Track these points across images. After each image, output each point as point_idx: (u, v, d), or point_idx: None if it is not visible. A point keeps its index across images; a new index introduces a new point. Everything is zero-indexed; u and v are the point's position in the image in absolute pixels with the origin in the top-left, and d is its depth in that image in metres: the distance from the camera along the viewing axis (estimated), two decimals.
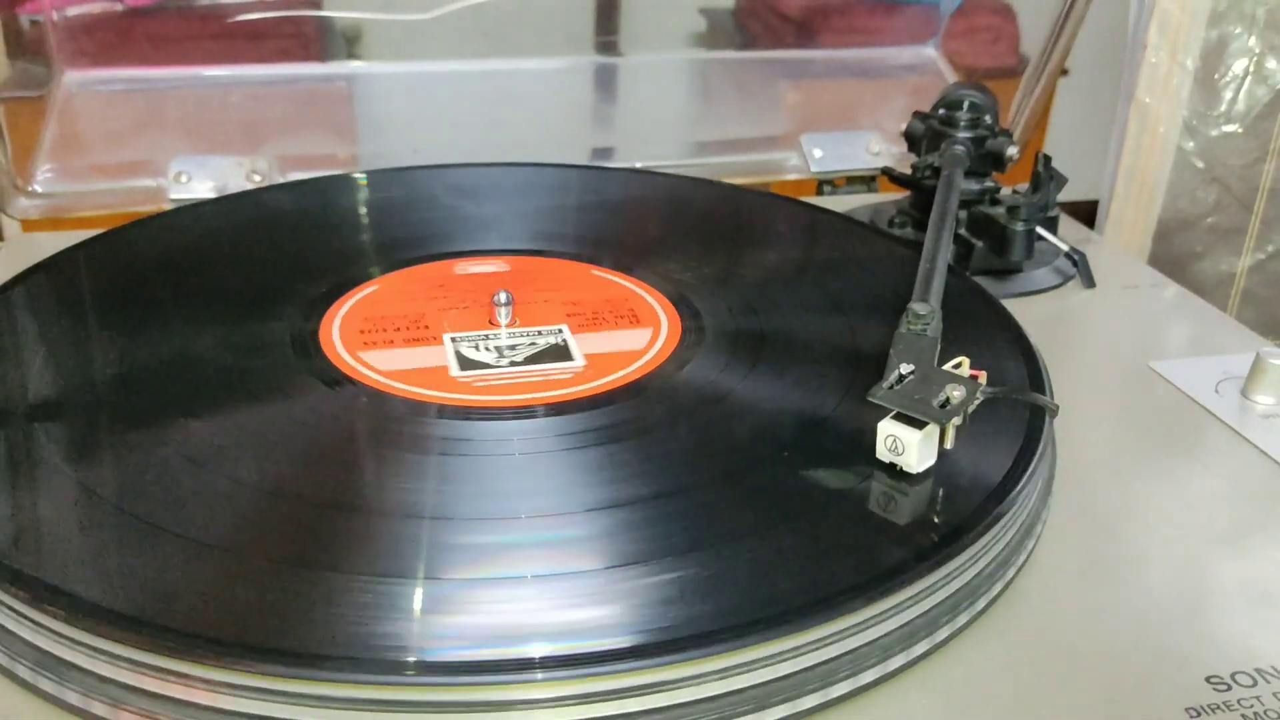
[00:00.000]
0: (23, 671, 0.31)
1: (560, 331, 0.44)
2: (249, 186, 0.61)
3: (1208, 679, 0.32)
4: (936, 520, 0.35)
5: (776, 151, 0.71)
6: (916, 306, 0.39)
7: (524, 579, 0.32)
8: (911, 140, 0.59)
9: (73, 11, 0.64)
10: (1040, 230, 0.55)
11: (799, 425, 0.39)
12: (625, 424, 0.39)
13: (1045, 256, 0.57)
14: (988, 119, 0.58)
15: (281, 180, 0.62)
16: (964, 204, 0.55)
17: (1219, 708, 0.31)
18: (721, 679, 0.29)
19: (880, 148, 0.70)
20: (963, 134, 0.57)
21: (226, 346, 0.43)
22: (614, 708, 0.29)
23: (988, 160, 0.57)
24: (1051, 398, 0.41)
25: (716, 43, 0.78)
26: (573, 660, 0.29)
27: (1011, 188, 0.58)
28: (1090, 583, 0.36)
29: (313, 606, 0.30)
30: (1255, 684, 0.32)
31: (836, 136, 0.70)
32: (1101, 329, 0.53)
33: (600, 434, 0.38)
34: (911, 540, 0.34)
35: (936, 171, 0.55)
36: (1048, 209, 0.56)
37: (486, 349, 0.43)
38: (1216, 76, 0.69)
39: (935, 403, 0.36)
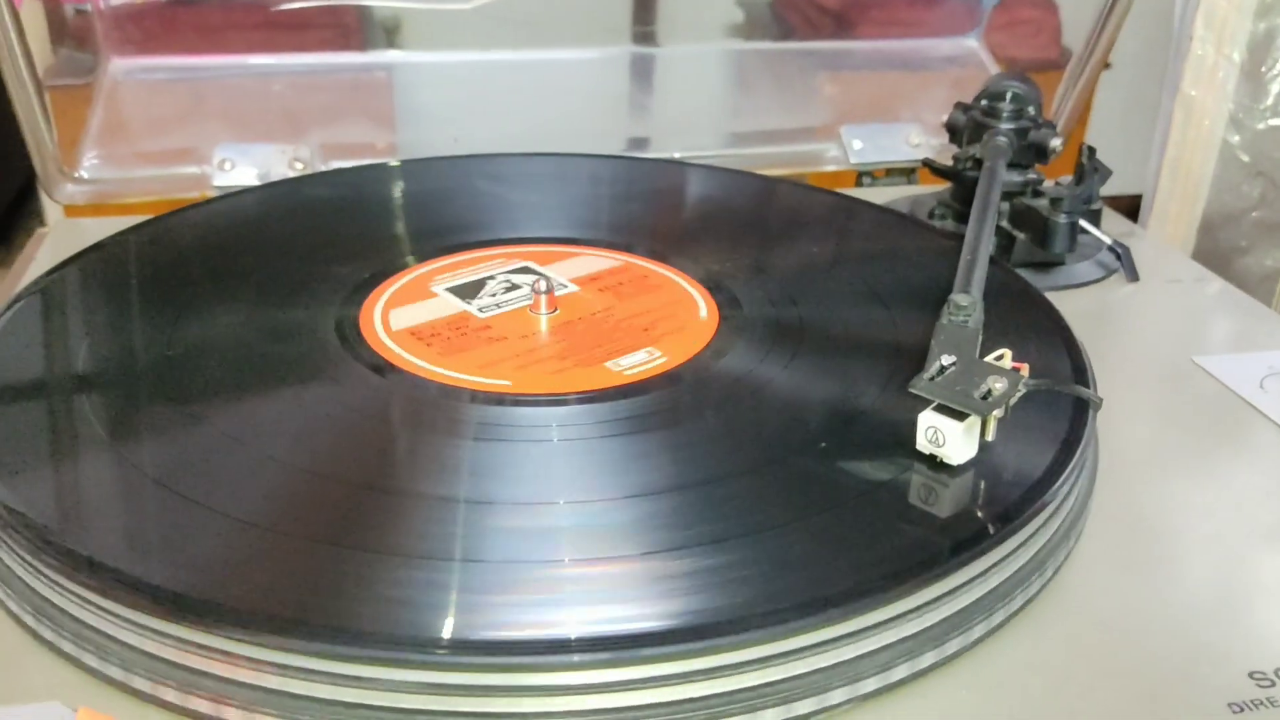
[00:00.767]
0: (68, 648, 0.31)
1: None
2: (291, 174, 0.62)
3: (1250, 674, 0.32)
4: (978, 513, 0.34)
5: (815, 143, 0.71)
6: (958, 297, 0.39)
7: (561, 563, 0.32)
8: (953, 131, 0.59)
9: (119, 0, 0.64)
10: (1083, 223, 0.54)
11: (838, 416, 0.39)
12: (664, 412, 0.39)
13: (1087, 250, 0.56)
14: (1031, 110, 0.57)
15: (323, 168, 0.63)
16: (1006, 196, 0.55)
17: (1262, 703, 0.31)
18: (757, 669, 0.29)
19: (921, 139, 0.69)
20: (1005, 125, 0.56)
21: (268, 330, 0.44)
22: (648, 696, 0.29)
23: (1031, 152, 0.56)
24: (1095, 392, 0.40)
25: (754, 34, 0.77)
26: (609, 643, 0.29)
27: (1054, 180, 0.58)
28: (1132, 578, 0.36)
29: (350, 586, 0.30)
30: None
31: (876, 128, 0.70)
32: (1145, 323, 0.53)
33: (639, 421, 0.38)
34: (952, 533, 0.33)
35: (978, 163, 0.55)
36: (1091, 201, 0.56)
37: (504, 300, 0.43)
38: (1263, 69, 0.68)
39: (977, 394, 0.35)
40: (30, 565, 0.32)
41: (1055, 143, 0.56)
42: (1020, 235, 0.55)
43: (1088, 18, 0.68)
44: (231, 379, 0.40)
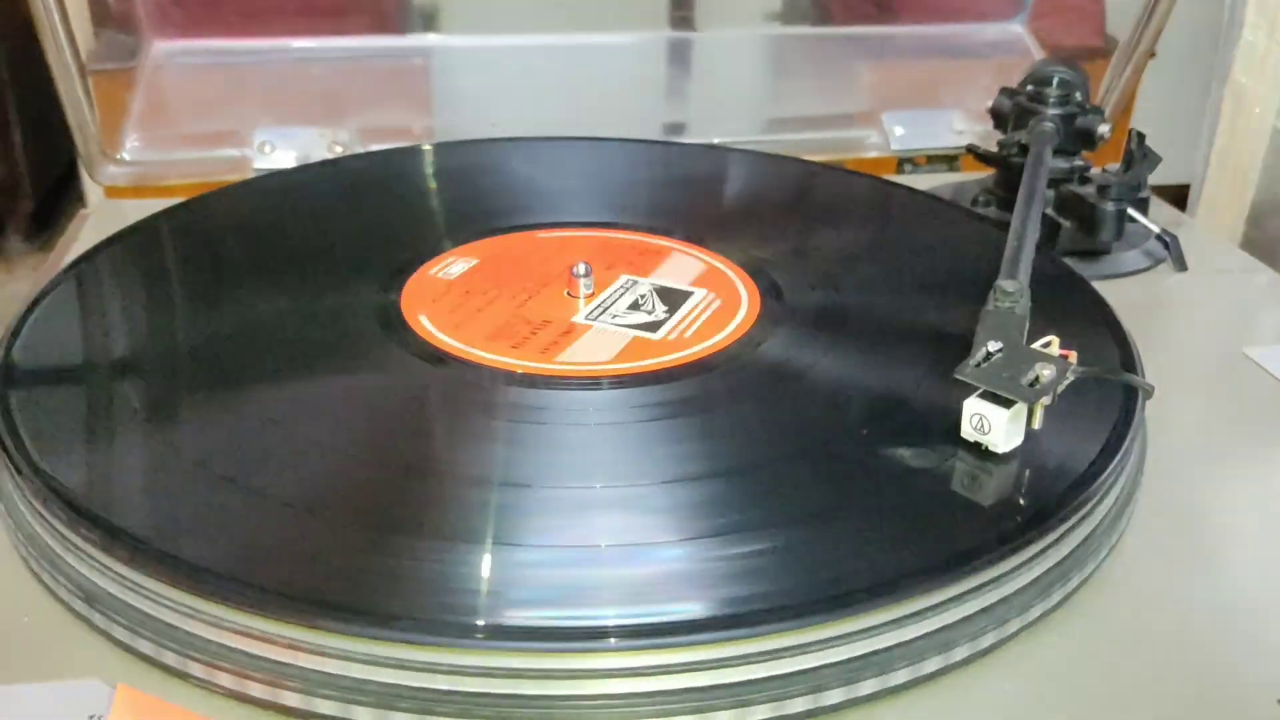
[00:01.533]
0: (120, 633, 0.31)
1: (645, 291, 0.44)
2: (331, 157, 0.62)
3: None
4: (1022, 502, 0.34)
5: (855, 129, 0.70)
6: (1005, 284, 0.39)
7: (598, 548, 0.32)
8: (998, 117, 0.58)
9: None
10: (1131, 211, 0.53)
11: (880, 402, 0.39)
12: (705, 397, 0.39)
13: (1134, 239, 0.55)
14: (1078, 96, 0.56)
15: (362, 151, 0.63)
16: (1052, 182, 0.54)
17: None
18: (791, 656, 0.29)
19: (964, 126, 0.68)
20: (1052, 111, 0.55)
21: (309, 313, 0.44)
22: (682, 681, 0.29)
23: (1078, 138, 0.55)
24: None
25: (793, 18, 0.76)
26: (644, 630, 0.28)
27: (1101, 167, 0.57)
28: (1179, 571, 0.35)
29: (388, 569, 0.30)
30: None
31: (919, 114, 0.69)
32: (1193, 314, 0.52)
33: (679, 406, 0.38)
34: (997, 522, 0.33)
35: (1024, 149, 0.54)
36: (1140, 189, 0.54)
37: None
38: None
39: (1024, 381, 0.35)
40: (69, 543, 0.32)
41: (1103, 128, 0.55)
42: (1066, 223, 0.54)
43: (1135, 5, 0.66)
44: (271, 361, 0.40)
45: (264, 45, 0.67)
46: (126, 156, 0.62)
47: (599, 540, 0.32)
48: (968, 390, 0.35)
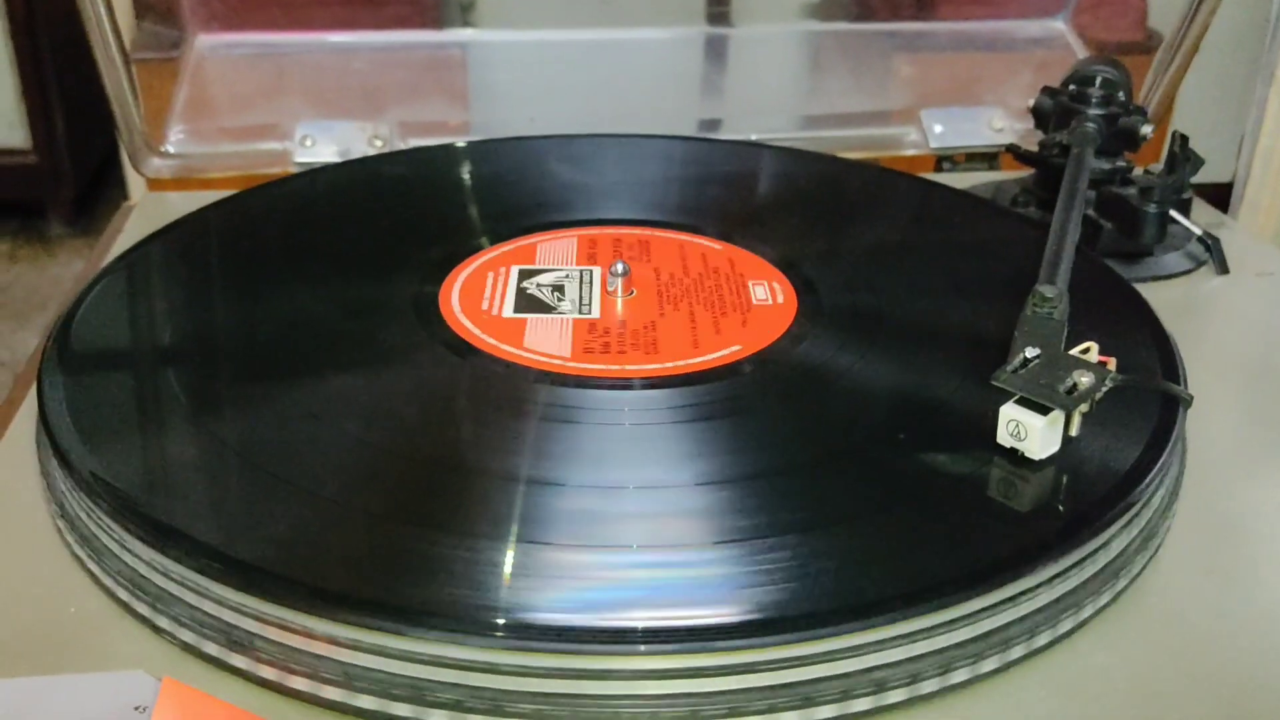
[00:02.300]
0: (165, 623, 0.32)
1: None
2: (371, 151, 0.62)
3: None
4: (1059, 510, 0.34)
5: (893, 126, 0.70)
6: (1044, 288, 0.38)
7: (630, 548, 0.32)
8: (1039, 116, 0.58)
9: None
10: (1173, 213, 0.53)
11: (916, 406, 0.39)
12: (740, 398, 0.39)
13: (1175, 241, 0.55)
14: (1121, 96, 0.55)
15: (402, 145, 0.63)
16: (1093, 184, 0.54)
17: None
18: (823, 663, 0.29)
19: (1004, 124, 0.68)
20: (1094, 111, 0.55)
21: (349, 308, 0.44)
22: (712, 684, 0.29)
23: (1120, 139, 0.55)
24: (1185, 388, 0.39)
25: (831, 14, 0.76)
26: (673, 634, 0.29)
27: (1142, 168, 0.56)
28: (1218, 582, 0.35)
29: (418, 564, 0.30)
30: None
31: (958, 112, 0.68)
32: (1235, 317, 0.51)
33: (713, 407, 0.38)
34: (1033, 531, 0.33)
35: (1065, 149, 0.53)
36: (1182, 191, 0.54)
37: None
38: None
39: (1062, 388, 0.35)
40: (115, 535, 0.32)
41: (1146, 129, 0.54)
42: (1107, 224, 0.54)
43: (1179, 1, 0.66)
44: (313, 355, 0.41)
45: (304, 39, 0.68)
46: (171, 149, 0.63)
47: (630, 540, 0.32)
48: (1004, 395, 0.35)
